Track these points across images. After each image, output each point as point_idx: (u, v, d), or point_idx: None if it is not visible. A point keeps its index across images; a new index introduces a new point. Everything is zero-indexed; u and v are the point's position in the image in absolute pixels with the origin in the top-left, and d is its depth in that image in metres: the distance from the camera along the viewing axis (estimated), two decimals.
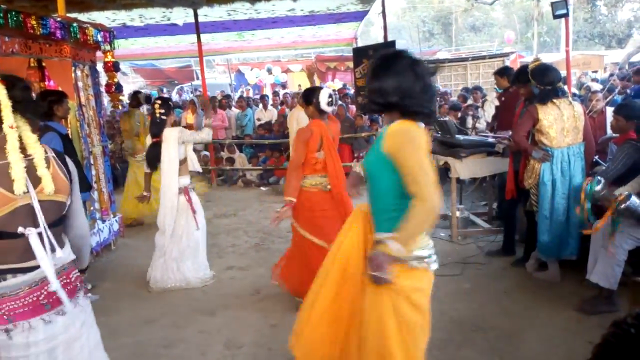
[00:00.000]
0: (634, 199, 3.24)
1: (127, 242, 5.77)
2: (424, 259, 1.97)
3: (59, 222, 1.87)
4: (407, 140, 1.91)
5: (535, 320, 3.49)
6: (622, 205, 3.23)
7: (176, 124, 4.60)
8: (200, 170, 4.92)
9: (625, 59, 15.48)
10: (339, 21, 11.13)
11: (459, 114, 8.14)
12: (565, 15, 7.39)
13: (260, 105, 11.04)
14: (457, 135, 5.31)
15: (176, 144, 4.36)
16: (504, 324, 3.47)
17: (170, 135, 4.35)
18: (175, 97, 17.67)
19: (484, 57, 13.70)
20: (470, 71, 13.23)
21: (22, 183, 1.68)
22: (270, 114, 10.48)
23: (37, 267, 1.76)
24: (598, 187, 3.54)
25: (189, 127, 9.31)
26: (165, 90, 20.26)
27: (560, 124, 3.88)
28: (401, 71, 1.93)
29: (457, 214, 5.33)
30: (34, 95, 1.90)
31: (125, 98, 10.27)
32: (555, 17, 7.41)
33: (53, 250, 1.80)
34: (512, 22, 31.39)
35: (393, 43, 8.42)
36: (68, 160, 1.94)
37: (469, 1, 28.78)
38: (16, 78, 1.83)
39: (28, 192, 1.71)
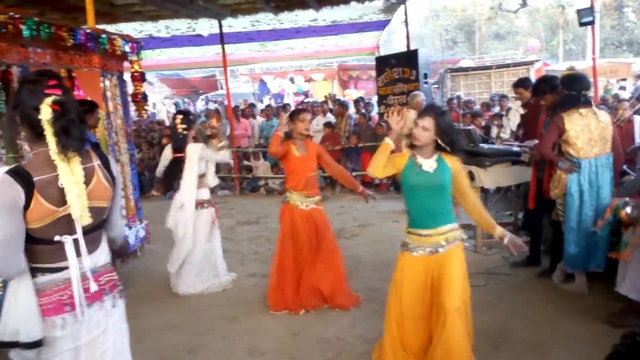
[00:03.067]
0: None
1: (152, 248, 5.86)
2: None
3: (98, 226, 1.92)
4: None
5: (561, 332, 3.42)
6: None
7: (200, 132, 4.65)
8: (213, 185, 4.89)
9: None
10: (361, 30, 11.18)
11: (483, 123, 8.06)
12: (592, 23, 7.29)
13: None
14: (481, 144, 5.26)
15: (197, 160, 4.42)
16: (529, 335, 3.41)
17: (194, 152, 4.42)
18: (201, 106, 17.92)
19: (508, 65, 13.55)
20: (495, 79, 13.10)
21: (78, 209, 1.76)
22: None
23: (65, 268, 1.82)
24: (628, 211, 3.45)
25: (213, 135, 9.42)
26: (188, 100, 20.57)
27: (588, 134, 3.81)
28: None
29: None
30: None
31: (150, 107, 10.47)
32: (582, 24, 7.32)
33: (91, 252, 1.88)
34: (537, 29, 31.00)
35: (415, 52, 8.41)
36: (113, 164, 1.99)
37: (492, 9, 28.55)
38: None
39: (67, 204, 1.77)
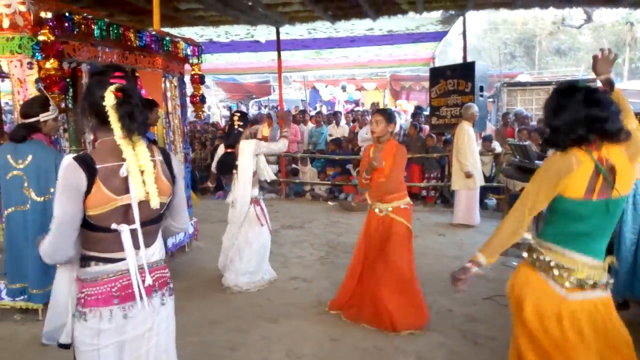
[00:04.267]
0: None
1: (200, 245, 6.02)
2: None
3: (155, 220, 1.93)
4: None
5: None
6: None
7: (252, 136, 4.80)
8: (270, 179, 5.08)
9: None
10: (417, 41, 11.10)
11: (540, 140, 7.81)
12: None
13: (333, 122, 11.20)
14: (536, 161, 5.10)
15: (252, 157, 4.54)
16: None
17: (247, 148, 4.54)
18: (253, 110, 18.30)
19: None
20: None
21: (141, 193, 1.81)
22: (342, 131, 10.59)
23: (120, 259, 1.84)
24: None
25: (264, 139, 9.61)
26: (240, 103, 21.05)
27: None
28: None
29: (532, 242, 5.07)
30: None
31: (206, 109, 10.78)
32: None
33: (146, 246, 1.90)
34: (602, 46, 29.71)
35: (472, 64, 8.27)
36: (175, 162, 2.02)
37: (555, 24, 27.68)
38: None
39: (128, 193, 1.81)
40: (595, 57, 2.26)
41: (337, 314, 4.06)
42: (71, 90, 4.22)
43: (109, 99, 1.78)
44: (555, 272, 2.04)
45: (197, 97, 5.89)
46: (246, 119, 4.72)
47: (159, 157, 1.94)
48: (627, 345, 2.03)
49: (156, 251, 1.97)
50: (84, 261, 1.86)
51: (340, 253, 5.78)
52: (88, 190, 1.76)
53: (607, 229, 2.06)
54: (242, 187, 4.56)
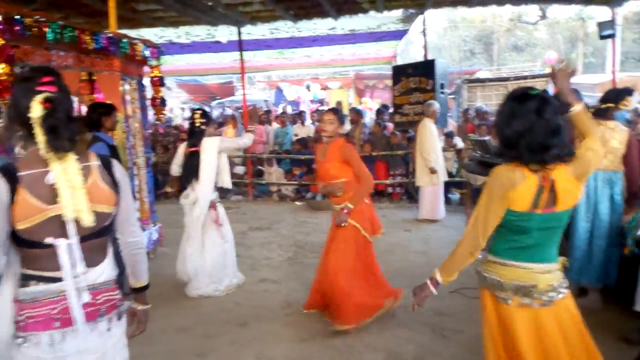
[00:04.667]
0: None
1: (165, 251, 5.90)
2: None
3: (99, 234, 1.76)
4: None
5: None
6: None
7: (215, 135, 4.73)
8: (229, 187, 4.96)
9: None
10: (379, 40, 11.21)
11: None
12: (613, 36, 7.23)
13: (298, 121, 11.20)
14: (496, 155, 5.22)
15: (216, 154, 4.46)
16: None
17: (211, 145, 4.45)
18: (217, 112, 18.09)
19: (526, 78, 13.46)
20: None
21: (70, 210, 1.64)
22: (307, 130, 10.60)
23: (61, 279, 1.68)
24: None
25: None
26: (205, 104, 20.79)
27: None
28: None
29: None
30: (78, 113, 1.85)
31: (167, 112, 10.58)
32: (602, 37, 7.27)
33: (91, 263, 1.74)
34: (557, 42, 30.78)
35: (433, 62, 8.40)
36: (117, 167, 1.85)
37: (512, 21, 28.45)
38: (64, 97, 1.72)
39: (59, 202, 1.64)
40: (552, 73, 2.24)
41: (307, 314, 4.05)
42: None
43: (35, 111, 1.61)
44: (506, 288, 2.02)
45: (158, 100, 5.77)
46: (208, 117, 4.66)
47: (95, 162, 1.78)
48: (588, 348, 2.05)
49: (105, 270, 1.79)
50: (23, 280, 1.68)
51: (308, 253, 5.77)
52: (12, 201, 1.60)
53: (556, 238, 2.06)
54: (205, 185, 4.47)
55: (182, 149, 4.68)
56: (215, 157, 4.45)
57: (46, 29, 4.02)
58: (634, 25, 27.33)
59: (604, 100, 3.87)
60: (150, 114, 7.63)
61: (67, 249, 1.66)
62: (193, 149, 4.50)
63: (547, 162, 1.92)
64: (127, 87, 5.29)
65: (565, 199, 1.95)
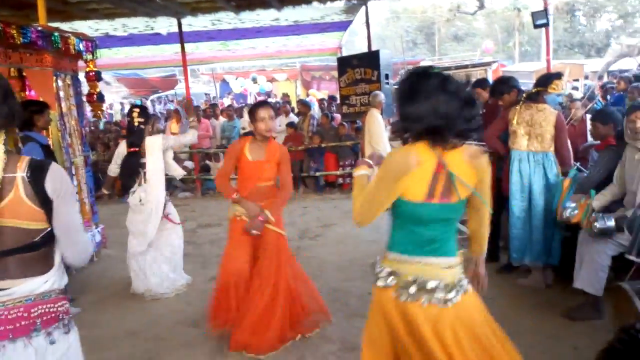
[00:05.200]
0: (601, 221, 3.28)
1: (109, 253, 5.68)
2: None
3: (27, 248, 1.63)
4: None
5: (520, 326, 3.49)
6: (596, 230, 3.28)
7: (158, 131, 4.55)
8: (180, 176, 4.88)
9: (604, 67, 15.80)
10: (323, 31, 11.20)
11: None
12: (546, 25, 7.54)
13: (245, 114, 11.05)
14: None
15: (161, 153, 4.32)
16: None
17: (154, 144, 4.30)
18: (159, 107, 17.57)
19: (466, 67, 13.85)
20: None
21: None
22: None
23: None
24: (597, 225, 3.31)
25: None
26: (145, 99, 20.16)
27: (528, 127, 3.97)
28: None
29: None
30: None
31: (107, 108, 10.16)
32: (536, 26, 7.56)
33: (16, 276, 1.62)
34: (494, 32, 31.90)
35: (377, 52, 8.48)
36: (53, 176, 1.65)
37: (451, 11, 29.21)
38: None
39: None
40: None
41: None
42: None
43: None
44: (407, 285, 1.86)
45: (94, 96, 5.50)
46: (147, 114, 4.47)
47: (22, 174, 1.60)
48: (499, 339, 1.93)
49: (47, 281, 1.67)
50: None
51: None
52: None
53: (453, 229, 1.96)
54: (156, 187, 4.32)
55: (122, 147, 4.49)
56: (160, 157, 4.32)
57: None
58: (565, 15, 28.75)
59: (535, 85, 4.06)
60: (88, 110, 7.29)
61: None
62: (133, 149, 4.32)
63: (448, 140, 1.81)
64: (60, 83, 5.01)
65: (460, 189, 1.85)
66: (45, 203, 1.63)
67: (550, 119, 3.93)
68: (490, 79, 9.16)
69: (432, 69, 1.88)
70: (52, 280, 1.68)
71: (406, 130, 1.90)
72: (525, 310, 3.72)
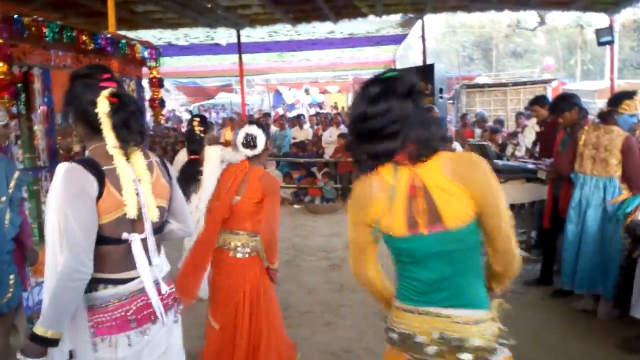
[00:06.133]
0: None
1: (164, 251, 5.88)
2: None
3: (159, 229, 1.79)
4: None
5: (573, 354, 3.35)
6: None
7: (214, 139, 4.71)
8: None
9: None
10: (378, 44, 11.24)
11: (500, 140, 8.02)
12: (610, 43, 7.26)
13: (297, 125, 11.20)
14: (495, 160, 5.22)
15: (218, 163, 4.47)
16: (541, 356, 3.34)
17: (213, 154, 4.46)
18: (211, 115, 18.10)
19: (524, 84, 13.50)
20: (510, 97, 13.06)
21: (134, 208, 1.64)
22: (305, 133, 10.60)
23: (131, 279, 1.68)
24: None
25: (227, 143, 9.50)
26: (203, 107, 20.80)
27: (592, 150, 3.78)
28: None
29: None
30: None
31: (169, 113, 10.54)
32: (600, 44, 7.30)
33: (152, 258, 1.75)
34: (555, 48, 30.92)
35: (432, 66, 8.41)
36: (167, 162, 1.89)
37: (510, 27, 28.56)
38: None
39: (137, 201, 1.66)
40: None
41: (307, 313, 4.01)
42: (23, 95, 4.05)
43: (103, 106, 1.61)
44: (422, 344, 1.45)
45: (156, 101, 5.75)
46: (206, 124, 4.63)
47: (155, 159, 1.82)
48: None
49: (164, 263, 1.83)
50: (90, 285, 1.62)
51: (305, 256, 5.75)
52: (99, 194, 1.60)
53: (470, 267, 1.46)
54: (209, 194, 4.47)
55: (181, 155, 4.67)
56: (218, 166, 4.47)
57: (45, 29, 4.00)
58: (632, 33, 27.48)
59: (607, 103, 3.89)
60: (148, 115, 7.62)
61: (140, 244, 1.68)
62: (193, 156, 4.49)
63: (396, 152, 1.43)
64: (125, 87, 5.26)
65: (449, 211, 1.39)
66: (169, 181, 1.83)
67: (617, 142, 3.65)
68: (550, 97, 8.88)
69: (384, 74, 1.48)
70: (166, 262, 1.85)
71: (356, 159, 1.52)
72: (577, 338, 3.56)
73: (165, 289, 1.75)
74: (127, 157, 1.67)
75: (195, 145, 4.50)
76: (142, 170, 1.69)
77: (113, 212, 1.62)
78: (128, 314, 1.65)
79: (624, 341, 3.37)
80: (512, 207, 6.11)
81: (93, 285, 1.64)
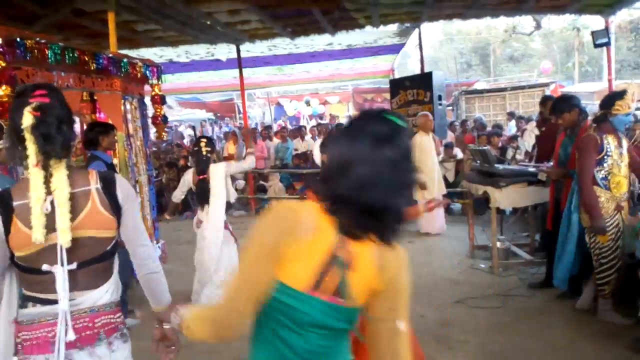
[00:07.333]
0: None
1: (169, 267, 5.86)
2: None
3: (101, 258, 1.72)
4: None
5: (581, 356, 3.35)
6: None
7: (217, 154, 4.79)
8: (233, 200, 5.07)
9: None
10: (376, 54, 11.31)
11: (500, 144, 8.06)
12: (607, 44, 7.30)
13: (298, 136, 11.26)
14: (496, 165, 5.25)
15: (224, 179, 4.54)
16: (548, 358, 3.35)
17: (218, 171, 4.54)
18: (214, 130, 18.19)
19: (523, 88, 13.56)
20: (510, 101, 13.11)
21: (40, 232, 1.57)
22: (307, 145, 10.66)
23: (57, 301, 1.64)
24: None
25: (229, 157, 9.56)
26: (206, 122, 20.90)
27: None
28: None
29: (498, 244, 5.21)
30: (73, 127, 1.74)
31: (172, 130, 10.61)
32: (596, 45, 7.34)
33: (89, 287, 1.70)
34: (552, 52, 31.01)
35: (430, 74, 8.47)
36: (121, 184, 1.78)
37: (506, 32, 28.67)
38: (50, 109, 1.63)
39: (55, 231, 1.61)
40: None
41: None
42: None
43: (26, 120, 1.56)
44: None
45: (159, 118, 5.81)
46: (213, 144, 4.78)
47: (95, 186, 1.71)
48: None
49: (107, 292, 1.74)
50: (23, 301, 1.66)
51: None
52: (7, 230, 1.59)
53: (339, 350, 1.34)
54: (218, 210, 4.54)
55: (188, 175, 4.77)
56: (224, 182, 4.58)
57: (47, 51, 4.06)
58: (628, 34, 27.57)
59: (599, 107, 3.91)
60: (152, 132, 7.69)
61: (64, 275, 1.62)
62: (202, 176, 4.58)
63: (366, 230, 1.24)
64: (128, 106, 5.33)
65: (359, 291, 1.27)
66: (117, 210, 1.74)
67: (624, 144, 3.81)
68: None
69: (386, 114, 1.27)
70: (111, 290, 1.76)
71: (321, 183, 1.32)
72: (586, 339, 3.56)
73: (71, 334, 1.63)
74: (50, 173, 1.61)
75: (203, 165, 4.62)
76: (59, 192, 1.60)
77: (26, 247, 1.60)
78: (50, 335, 1.63)
79: (634, 342, 3.37)
80: (515, 210, 6.13)
81: (24, 302, 1.67)
